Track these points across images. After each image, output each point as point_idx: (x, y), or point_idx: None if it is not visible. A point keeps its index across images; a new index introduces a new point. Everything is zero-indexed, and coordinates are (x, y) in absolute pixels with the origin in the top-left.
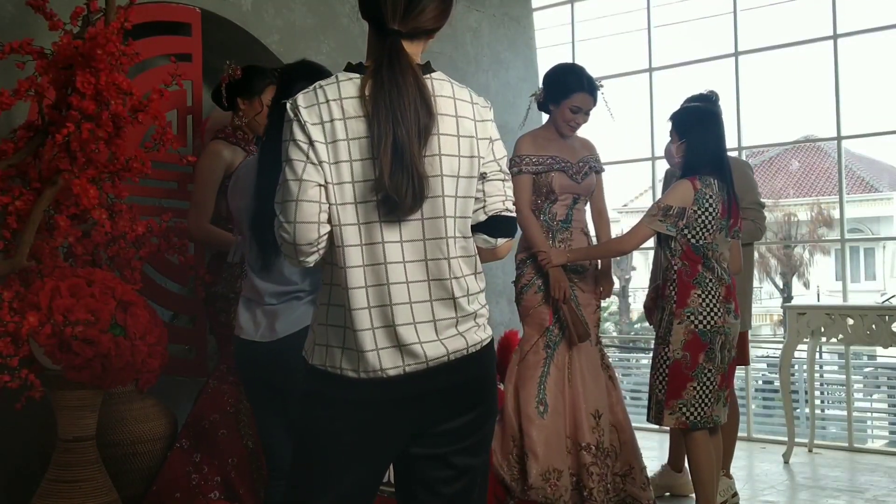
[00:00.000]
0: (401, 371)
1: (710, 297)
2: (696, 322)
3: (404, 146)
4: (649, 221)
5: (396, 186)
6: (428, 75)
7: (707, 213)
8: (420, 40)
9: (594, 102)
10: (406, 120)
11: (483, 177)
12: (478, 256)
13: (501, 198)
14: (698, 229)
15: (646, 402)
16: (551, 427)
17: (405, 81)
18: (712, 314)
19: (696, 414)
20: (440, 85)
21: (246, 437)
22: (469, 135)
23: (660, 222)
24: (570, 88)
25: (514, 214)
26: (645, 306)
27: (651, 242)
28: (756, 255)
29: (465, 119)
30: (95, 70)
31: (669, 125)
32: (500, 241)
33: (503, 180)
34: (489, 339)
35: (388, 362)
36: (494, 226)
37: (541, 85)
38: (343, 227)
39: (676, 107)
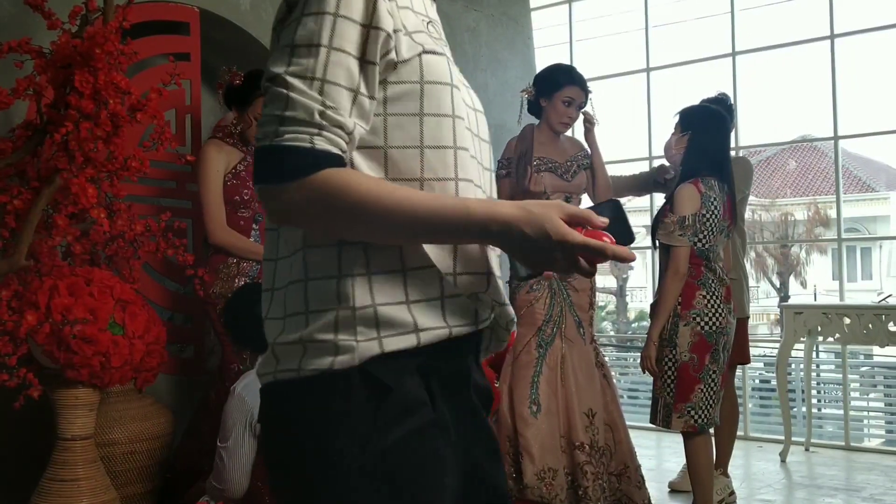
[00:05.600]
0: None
1: (713, 298)
2: (703, 324)
3: None
4: (671, 239)
5: None
6: None
7: (712, 216)
8: None
9: (584, 97)
10: None
11: None
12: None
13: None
14: (705, 233)
15: (642, 401)
16: (545, 427)
17: None
18: (717, 315)
19: (702, 416)
20: None
21: None
22: None
23: (680, 236)
24: (561, 82)
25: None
26: (651, 306)
27: (648, 242)
28: (753, 254)
29: None
30: (94, 69)
31: (676, 119)
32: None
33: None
34: None
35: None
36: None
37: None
38: None
39: (675, 106)
